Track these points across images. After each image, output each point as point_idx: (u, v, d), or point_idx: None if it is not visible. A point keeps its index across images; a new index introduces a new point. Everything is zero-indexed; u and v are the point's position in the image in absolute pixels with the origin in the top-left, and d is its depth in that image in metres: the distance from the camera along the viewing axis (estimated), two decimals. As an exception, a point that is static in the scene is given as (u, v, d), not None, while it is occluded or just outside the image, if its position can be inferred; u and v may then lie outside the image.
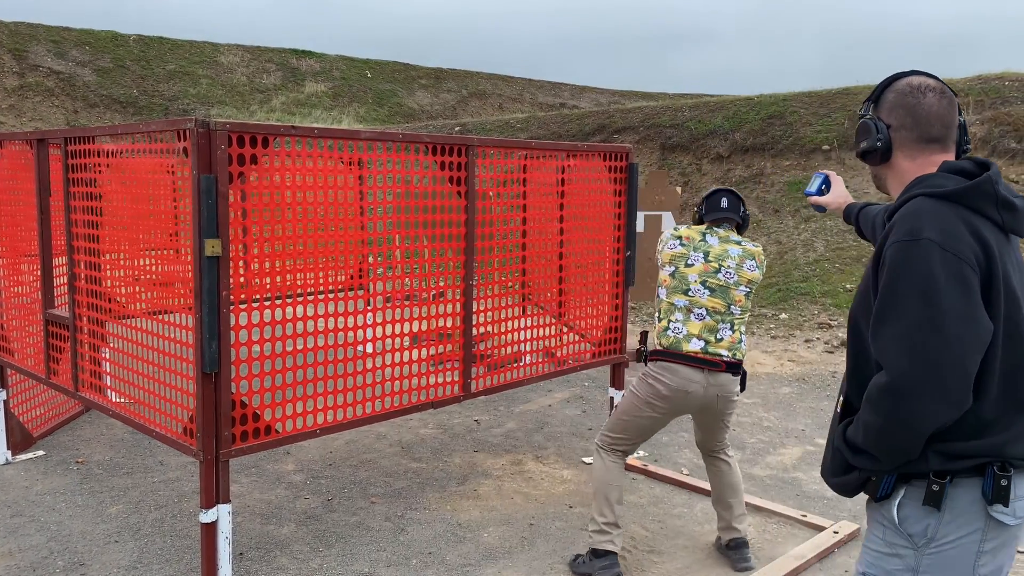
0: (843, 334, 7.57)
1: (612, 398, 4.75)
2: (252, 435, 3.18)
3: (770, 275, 9.08)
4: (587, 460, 4.80)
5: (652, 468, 4.65)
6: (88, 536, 3.77)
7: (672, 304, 3.44)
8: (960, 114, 1.79)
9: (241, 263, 3.15)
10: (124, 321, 3.63)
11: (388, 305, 3.69)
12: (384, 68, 29.18)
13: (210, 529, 3.07)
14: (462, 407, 5.83)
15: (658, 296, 3.54)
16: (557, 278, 4.72)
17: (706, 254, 3.45)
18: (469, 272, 3.96)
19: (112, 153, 3.72)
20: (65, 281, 4.02)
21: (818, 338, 7.60)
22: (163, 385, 3.31)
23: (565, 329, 4.61)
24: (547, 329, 4.43)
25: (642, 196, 6.83)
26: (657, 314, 3.52)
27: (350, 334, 3.69)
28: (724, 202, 3.55)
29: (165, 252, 3.65)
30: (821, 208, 2.66)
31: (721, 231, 3.52)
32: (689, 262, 3.44)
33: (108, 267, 3.76)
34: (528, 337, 4.31)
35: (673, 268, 3.47)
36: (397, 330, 3.67)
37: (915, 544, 1.64)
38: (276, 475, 4.56)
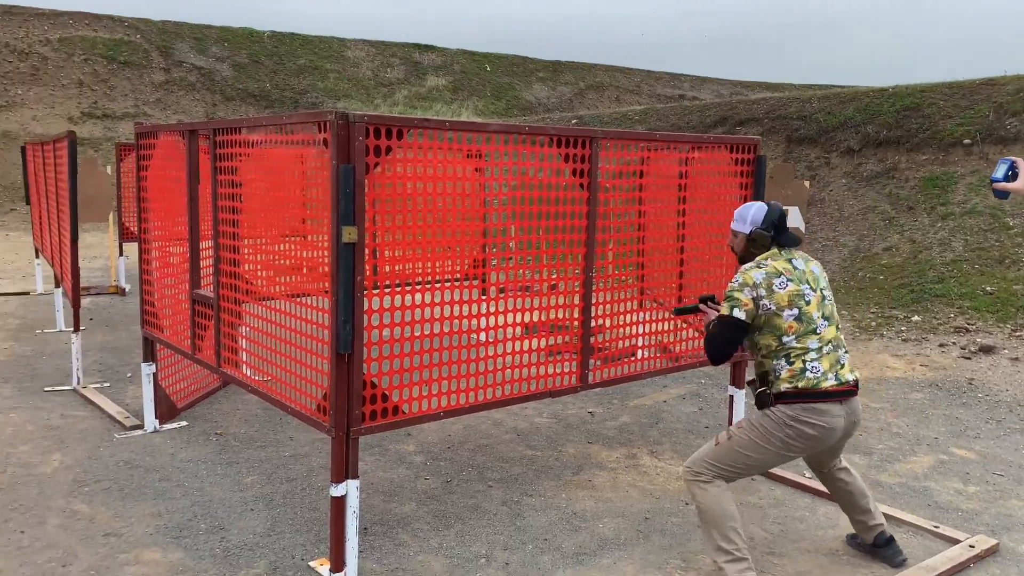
0: (983, 339, 7.13)
1: (732, 396, 4.67)
2: (380, 415, 3.31)
3: (901, 275, 8.65)
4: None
5: (774, 469, 4.54)
6: (227, 503, 4.03)
7: (805, 347, 3.20)
8: None
9: (374, 250, 3.29)
10: (264, 303, 3.85)
11: (506, 295, 3.75)
12: (502, 61, 29.46)
13: (339, 503, 3.22)
14: (575, 398, 5.85)
15: (774, 343, 3.23)
16: (677, 272, 4.67)
17: (810, 284, 3.27)
18: (589, 264, 3.97)
19: (254, 144, 3.95)
20: (210, 263, 4.31)
21: (953, 343, 7.18)
22: (298, 364, 3.49)
23: (683, 325, 4.56)
24: (664, 324, 4.39)
25: (767, 190, 6.64)
26: (775, 361, 3.23)
27: (472, 322, 3.78)
28: (779, 217, 3.37)
29: (300, 238, 3.84)
30: (1004, 195, 2.76)
31: (794, 251, 3.37)
32: (807, 299, 3.23)
33: (249, 251, 3.99)
34: (645, 331, 4.29)
35: (796, 310, 3.21)
36: (516, 320, 3.73)
37: None
38: (398, 455, 4.72)
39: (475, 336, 3.65)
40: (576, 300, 3.96)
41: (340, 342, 3.15)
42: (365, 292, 3.23)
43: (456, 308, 3.64)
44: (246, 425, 5.22)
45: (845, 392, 3.22)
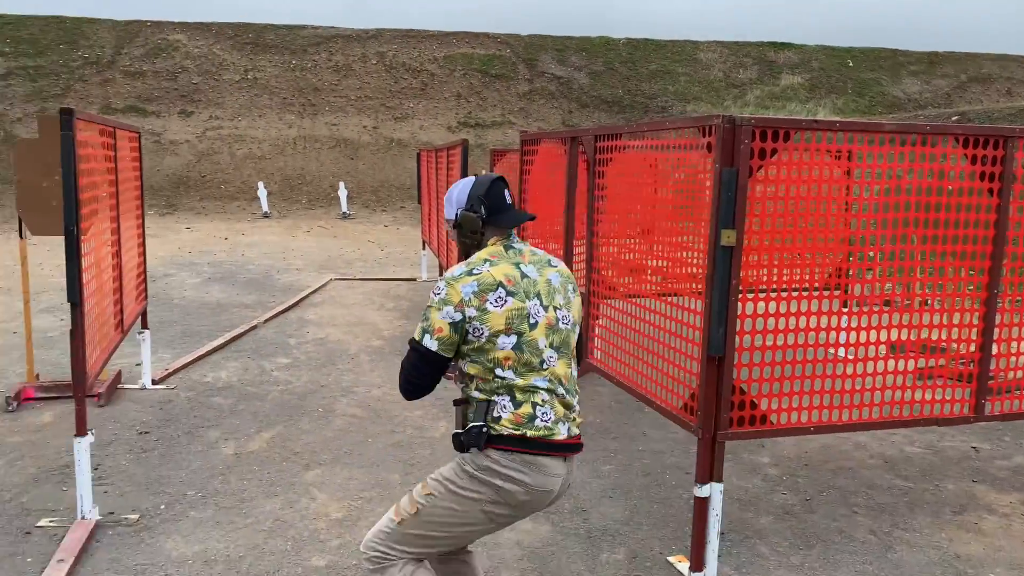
0: None
1: None
2: (748, 421, 3.27)
3: None
4: None
5: None
6: (587, 487, 4.27)
7: (529, 383, 2.30)
8: None
9: (751, 254, 3.25)
10: (631, 299, 4.00)
11: (882, 310, 3.47)
12: (867, 56, 27.23)
13: (702, 504, 3.25)
14: (953, 430, 5.23)
15: (488, 375, 2.30)
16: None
17: (539, 298, 2.34)
18: (994, 280, 3.53)
19: (628, 149, 4.12)
20: (582, 262, 4.58)
21: None
22: (665, 362, 3.58)
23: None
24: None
25: None
26: (497, 397, 2.30)
27: (842, 335, 3.56)
28: (507, 196, 2.46)
29: (676, 240, 3.92)
30: None
31: (524, 248, 2.44)
32: (533, 319, 2.32)
33: (618, 251, 4.17)
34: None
35: (515, 337, 2.28)
36: (881, 337, 3.44)
37: None
38: (752, 465, 4.62)
39: (839, 351, 3.44)
40: (974, 319, 3.54)
41: (712, 344, 3.16)
42: (739, 296, 3.22)
43: (822, 320, 3.46)
44: (600, 415, 5.48)
45: (572, 446, 2.38)
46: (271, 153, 22.79)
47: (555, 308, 2.36)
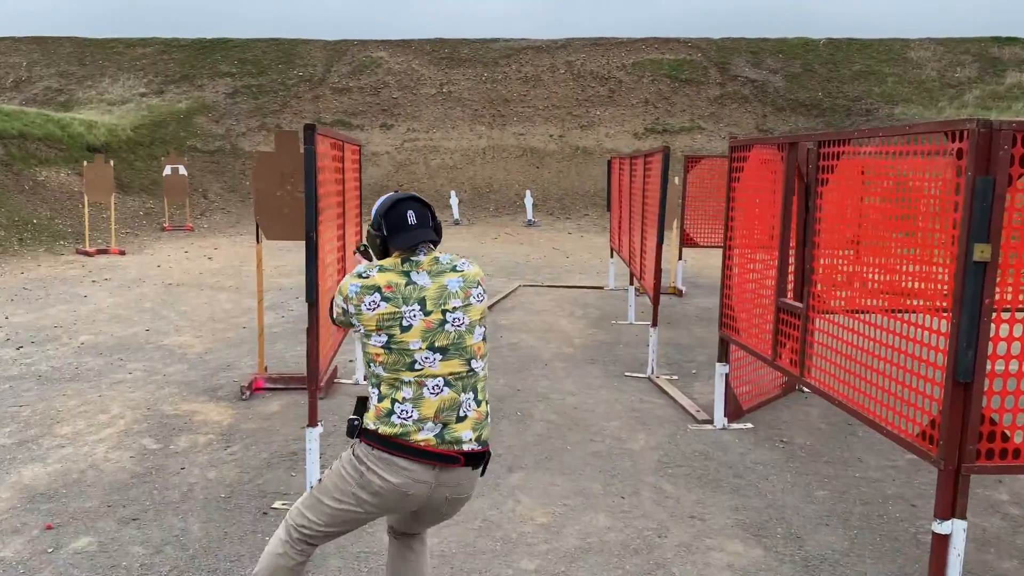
0: None
1: None
2: (999, 455, 2.97)
3: None
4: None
5: None
6: (801, 512, 4.05)
7: (397, 380, 2.48)
8: None
9: (1010, 271, 2.95)
10: (856, 315, 3.75)
11: None
12: (1114, 46, 24.14)
13: (942, 542, 2.97)
14: None
15: (368, 366, 2.55)
16: None
17: (422, 303, 2.49)
18: None
19: (855, 155, 3.86)
20: (797, 273, 4.36)
21: None
22: (898, 384, 3.32)
23: None
24: None
25: None
26: (371, 388, 2.54)
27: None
28: (412, 216, 2.57)
29: (911, 253, 3.63)
30: None
31: (424, 259, 2.57)
32: (406, 323, 2.48)
33: (842, 263, 3.92)
34: None
35: (386, 337, 2.47)
36: None
37: None
38: (988, 501, 4.20)
39: None
40: None
41: (960, 369, 2.89)
42: (992, 317, 2.92)
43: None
44: (810, 437, 5.19)
45: (444, 456, 2.46)
46: (462, 163, 23.67)
47: (443, 311, 2.51)
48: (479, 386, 2.57)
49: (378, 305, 2.48)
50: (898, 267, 3.69)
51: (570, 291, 11.12)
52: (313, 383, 3.86)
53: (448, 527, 3.80)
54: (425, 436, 2.45)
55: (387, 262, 2.57)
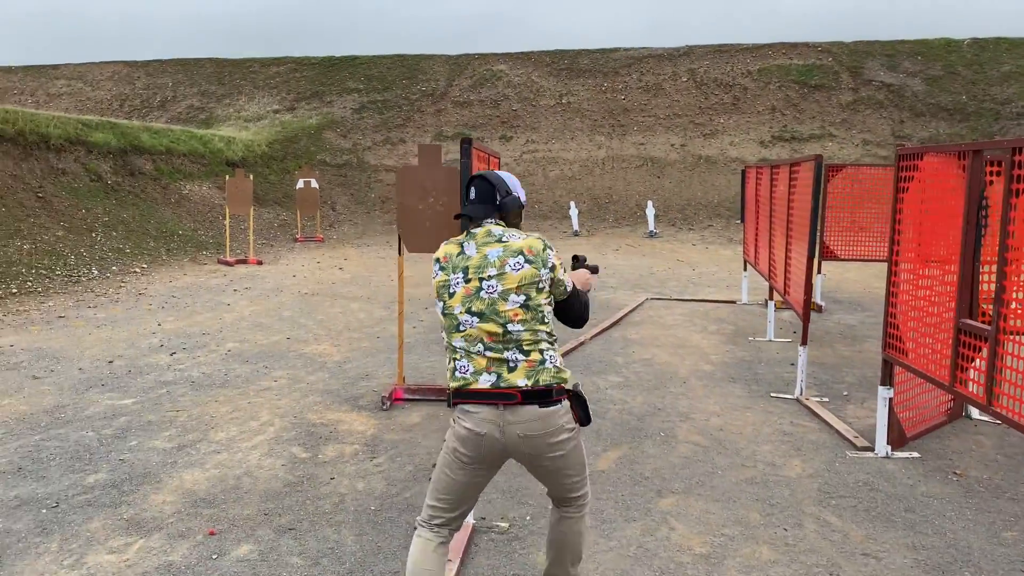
0: None
1: None
2: None
3: None
4: None
5: None
6: (989, 555, 3.68)
7: (452, 345, 2.80)
8: None
9: None
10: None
11: None
12: None
13: None
14: None
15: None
16: None
17: (465, 272, 2.76)
18: None
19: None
20: (980, 292, 3.98)
21: None
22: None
23: None
24: None
25: None
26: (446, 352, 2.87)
27: None
28: (472, 192, 2.87)
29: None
30: None
31: (479, 231, 2.81)
32: (452, 290, 2.77)
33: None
34: None
35: (441, 303, 2.81)
36: None
37: None
38: None
39: None
40: None
41: None
42: None
43: None
44: (987, 470, 4.75)
45: (503, 395, 2.69)
46: (580, 174, 23.57)
47: (480, 279, 2.72)
48: (524, 342, 2.72)
49: (436, 275, 2.82)
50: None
51: (700, 305, 10.78)
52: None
53: (602, 552, 3.66)
54: (483, 384, 2.71)
55: (455, 238, 2.87)
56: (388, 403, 5.90)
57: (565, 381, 2.75)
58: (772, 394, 6.42)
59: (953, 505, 4.24)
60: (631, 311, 10.11)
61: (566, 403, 2.76)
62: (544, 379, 2.70)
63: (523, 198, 3.00)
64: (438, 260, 2.81)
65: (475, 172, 2.89)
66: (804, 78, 24.36)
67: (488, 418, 2.69)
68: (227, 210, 15.08)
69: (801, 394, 6.32)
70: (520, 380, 2.69)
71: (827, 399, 6.29)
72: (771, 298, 8.73)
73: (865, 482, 4.56)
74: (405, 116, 25.78)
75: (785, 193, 7.54)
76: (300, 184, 18.49)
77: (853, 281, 12.89)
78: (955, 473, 4.70)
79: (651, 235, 20.08)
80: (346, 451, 5.00)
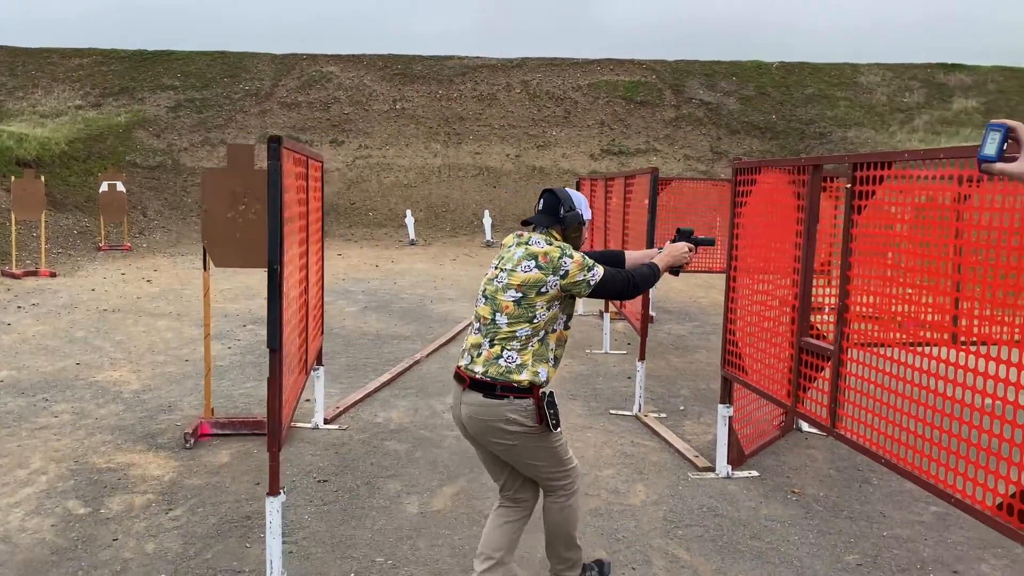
0: None
1: None
2: (1104, 535, 2.52)
3: None
4: None
5: None
6: (836, 583, 3.56)
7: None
8: None
9: None
10: (900, 359, 3.30)
11: None
12: (1053, 75, 24.83)
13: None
14: None
15: None
16: None
17: (499, 261, 3.17)
18: None
19: (902, 179, 3.43)
20: (819, 309, 3.90)
21: None
22: (969, 445, 2.87)
23: None
24: None
25: None
26: None
27: None
28: (541, 203, 3.27)
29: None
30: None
31: (527, 233, 3.20)
32: (487, 272, 3.22)
33: (889, 297, 3.47)
34: None
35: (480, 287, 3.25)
36: None
37: None
38: (1036, 566, 3.77)
39: None
40: None
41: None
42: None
43: None
44: (823, 486, 4.73)
45: (460, 377, 3.07)
46: (416, 181, 23.07)
47: (500, 269, 3.11)
48: (497, 336, 3.02)
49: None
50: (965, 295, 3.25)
51: (537, 317, 10.60)
52: (275, 444, 3.25)
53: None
54: (461, 363, 3.10)
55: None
56: (192, 440, 5.15)
57: (516, 382, 2.95)
58: (611, 411, 6.24)
59: (796, 528, 4.14)
60: (468, 325, 9.75)
61: (521, 401, 2.96)
62: (492, 372, 2.97)
63: (587, 216, 3.28)
64: (503, 246, 3.24)
65: (547, 188, 3.30)
66: (630, 94, 25.18)
67: (455, 395, 3.11)
68: (13, 215, 13.32)
69: (640, 410, 6.18)
70: (479, 368, 3.01)
71: (665, 415, 6.18)
72: (607, 309, 8.65)
73: (709, 507, 4.39)
74: (226, 116, 24.21)
75: (620, 205, 7.45)
76: (104, 187, 16.75)
77: (679, 291, 13.22)
78: (793, 492, 4.65)
79: (489, 245, 19.91)
80: (136, 503, 4.25)
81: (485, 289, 3.11)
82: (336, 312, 10.51)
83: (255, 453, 5.05)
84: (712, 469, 4.94)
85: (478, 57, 26.55)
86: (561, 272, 3.01)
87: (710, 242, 3.67)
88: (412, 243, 19.95)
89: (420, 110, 24.84)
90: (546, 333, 3.03)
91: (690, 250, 3.44)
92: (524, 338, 2.99)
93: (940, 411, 3.01)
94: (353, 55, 26.49)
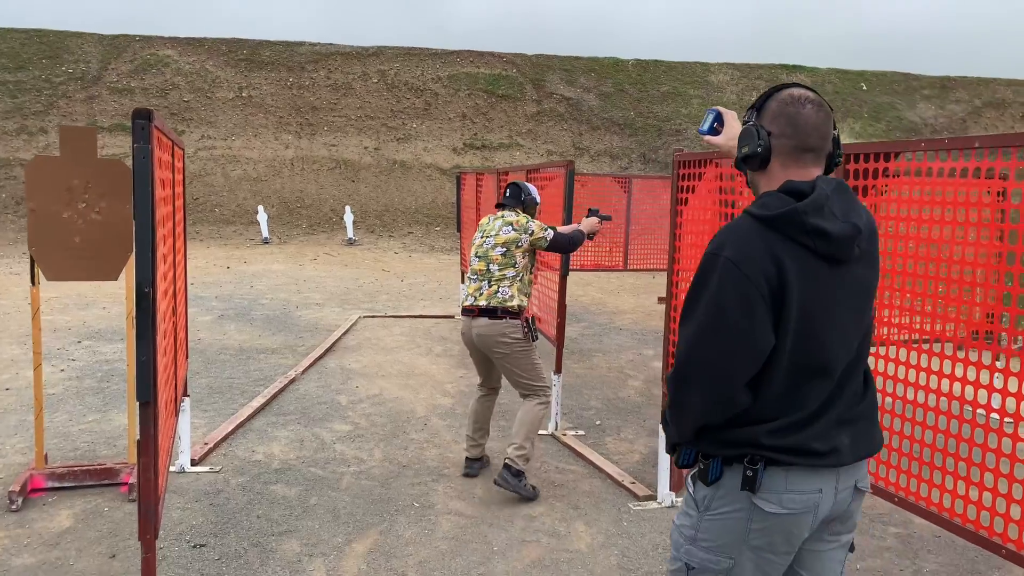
0: None
1: None
2: None
3: None
4: None
5: None
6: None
7: (468, 277, 4.57)
8: (835, 128, 1.83)
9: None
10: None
11: None
12: (881, 79, 26.64)
13: None
14: None
15: None
16: None
17: (482, 232, 4.55)
18: None
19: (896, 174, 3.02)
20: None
21: None
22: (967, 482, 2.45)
23: None
24: None
25: None
26: None
27: None
28: (508, 192, 4.70)
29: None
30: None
31: (500, 213, 4.60)
32: (475, 242, 4.55)
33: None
34: None
35: (472, 250, 4.54)
36: None
37: (698, 508, 1.86)
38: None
39: None
40: None
41: None
42: None
43: None
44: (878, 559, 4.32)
45: (467, 309, 4.46)
46: (267, 175, 21.55)
47: (486, 236, 4.50)
48: (493, 279, 4.41)
49: (476, 238, 4.61)
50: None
51: (419, 322, 9.83)
52: (149, 530, 2.38)
53: None
54: (467, 302, 4.49)
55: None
56: (19, 500, 4.06)
57: (511, 307, 4.35)
58: (525, 431, 5.62)
59: (764, 565, 3.68)
60: (344, 333, 8.84)
61: (513, 321, 4.36)
62: (493, 303, 4.36)
63: (538, 198, 4.78)
64: (481, 228, 4.59)
65: (512, 182, 4.72)
66: (492, 87, 24.71)
67: (465, 322, 4.48)
68: None
69: (556, 428, 5.61)
70: (482, 302, 4.39)
71: (583, 432, 5.64)
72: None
73: (662, 546, 3.86)
74: (47, 102, 21.63)
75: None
76: None
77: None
78: (747, 519, 4.21)
79: (350, 242, 18.82)
80: (-57, 601, 3.19)
81: (477, 251, 4.48)
82: (188, 322, 9.27)
83: (106, 512, 4.04)
84: (653, 497, 4.44)
85: (331, 44, 25.21)
86: (529, 231, 4.44)
87: (608, 217, 5.00)
88: (266, 241, 18.54)
89: (269, 99, 23.25)
90: (524, 273, 4.46)
91: (599, 222, 4.83)
92: (511, 278, 4.40)
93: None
94: (193, 38, 24.44)
